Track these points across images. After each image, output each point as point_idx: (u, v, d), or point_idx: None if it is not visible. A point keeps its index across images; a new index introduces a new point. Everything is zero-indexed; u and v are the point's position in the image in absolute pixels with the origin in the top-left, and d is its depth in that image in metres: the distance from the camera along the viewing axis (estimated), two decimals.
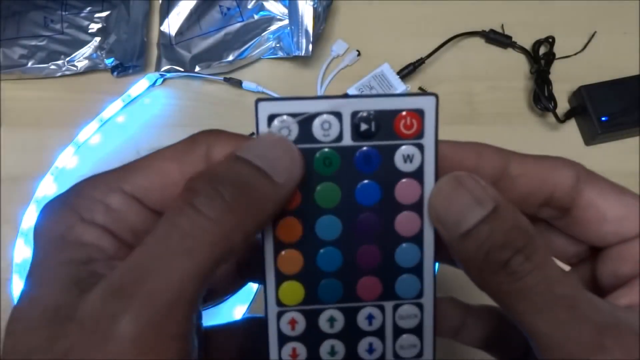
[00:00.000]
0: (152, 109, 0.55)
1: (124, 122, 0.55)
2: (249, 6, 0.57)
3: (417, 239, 0.21)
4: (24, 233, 0.50)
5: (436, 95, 0.21)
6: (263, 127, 0.20)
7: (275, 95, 0.54)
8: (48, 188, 0.52)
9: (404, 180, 0.21)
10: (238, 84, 0.54)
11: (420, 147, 0.21)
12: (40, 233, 0.20)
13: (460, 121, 0.53)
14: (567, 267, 0.25)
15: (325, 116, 0.20)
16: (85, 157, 0.53)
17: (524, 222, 0.20)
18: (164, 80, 0.56)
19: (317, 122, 0.21)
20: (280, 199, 0.20)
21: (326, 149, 0.21)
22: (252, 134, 0.55)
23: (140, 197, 0.20)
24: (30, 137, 0.54)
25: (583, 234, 0.22)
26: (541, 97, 0.51)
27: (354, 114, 0.21)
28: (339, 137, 0.21)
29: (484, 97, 0.54)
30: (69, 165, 0.53)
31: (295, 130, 0.21)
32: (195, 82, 0.56)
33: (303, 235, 0.21)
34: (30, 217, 0.50)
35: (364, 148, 0.21)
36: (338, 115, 0.20)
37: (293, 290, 0.22)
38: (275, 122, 0.20)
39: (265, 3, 0.56)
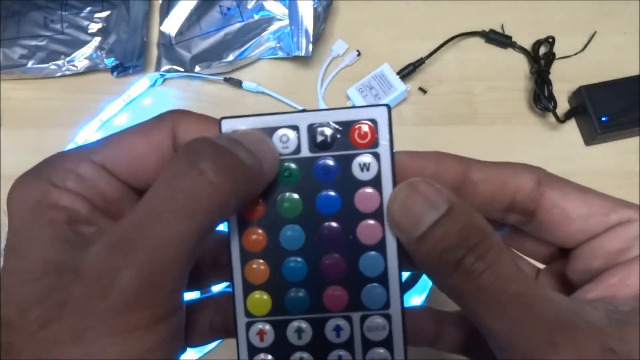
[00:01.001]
0: (152, 109, 0.55)
1: (124, 122, 0.55)
2: (249, 6, 0.57)
3: (380, 247, 0.22)
4: None
5: (388, 106, 0.22)
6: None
7: (275, 95, 0.54)
8: None
9: (362, 188, 0.22)
10: (238, 84, 0.54)
11: (376, 156, 0.22)
12: (14, 202, 0.20)
13: (460, 121, 0.54)
14: (541, 266, 0.25)
15: (283, 130, 0.22)
16: None
17: (478, 220, 0.20)
18: (164, 80, 0.56)
19: (276, 136, 0.22)
20: (264, 185, 0.21)
21: (286, 161, 0.22)
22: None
23: (109, 167, 0.21)
24: (30, 137, 0.54)
25: (551, 236, 0.22)
26: (541, 97, 0.51)
27: (310, 127, 0.22)
28: (297, 149, 0.22)
29: (484, 97, 0.54)
30: None
31: None
32: (195, 82, 0.56)
33: (268, 245, 0.22)
34: None
35: (322, 159, 0.22)
36: (295, 128, 0.22)
37: (261, 301, 0.22)
38: None
39: (265, 3, 0.56)
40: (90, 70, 0.55)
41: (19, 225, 0.20)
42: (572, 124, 0.53)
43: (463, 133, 0.53)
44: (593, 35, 0.55)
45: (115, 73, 0.55)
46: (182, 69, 0.55)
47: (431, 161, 0.22)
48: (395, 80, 0.53)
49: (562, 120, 0.52)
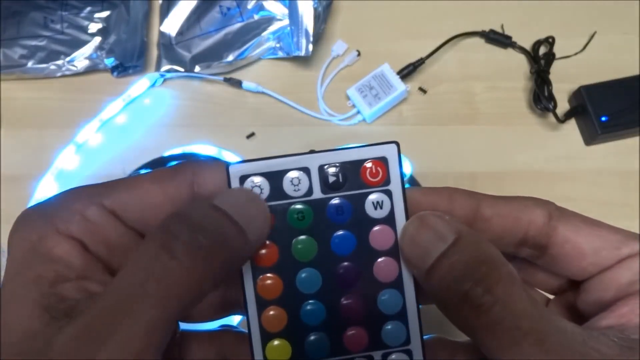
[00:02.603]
0: (152, 109, 0.55)
1: (124, 122, 0.55)
2: (249, 6, 0.57)
3: (397, 284, 0.22)
4: None
5: (397, 143, 0.22)
6: (235, 187, 0.21)
7: (275, 95, 0.54)
8: (48, 188, 0.52)
9: (376, 226, 0.22)
10: (238, 84, 0.54)
11: (389, 194, 0.22)
12: (13, 241, 0.20)
13: (460, 121, 0.54)
14: (551, 296, 0.25)
15: (294, 172, 0.21)
16: (85, 157, 0.53)
17: (487, 250, 0.20)
18: (164, 80, 0.56)
19: (286, 179, 0.21)
20: (249, 255, 0.21)
21: (298, 204, 0.21)
22: (251, 134, 0.55)
23: (119, 212, 0.21)
24: (30, 137, 0.54)
25: (563, 269, 0.23)
26: (541, 97, 0.51)
27: (321, 168, 0.21)
28: (309, 191, 0.22)
29: (484, 97, 0.54)
30: (69, 165, 0.53)
31: (266, 188, 0.21)
32: (195, 82, 0.56)
33: (284, 291, 0.22)
34: None
35: (335, 199, 0.22)
36: (306, 170, 0.21)
37: (280, 349, 0.22)
38: (247, 182, 0.21)
39: (265, 3, 0.56)
40: (90, 70, 0.55)
41: (9, 276, 0.19)
42: (572, 124, 0.53)
43: (463, 133, 0.53)
44: (593, 35, 0.55)
45: (115, 73, 0.55)
46: (182, 69, 0.55)
47: (443, 197, 0.22)
48: (395, 80, 0.53)
49: (562, 120, 0.52)
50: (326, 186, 0.22)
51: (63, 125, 0.54)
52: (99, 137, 0.54)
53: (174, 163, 0.47)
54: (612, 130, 0.50)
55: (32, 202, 0.51)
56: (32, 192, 0.51)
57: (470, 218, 0.22)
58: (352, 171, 0.22)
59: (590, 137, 0.52)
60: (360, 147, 0.22)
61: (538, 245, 0.22)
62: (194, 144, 0.52)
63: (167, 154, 0.52)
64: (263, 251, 0.21)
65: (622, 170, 0.51)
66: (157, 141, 0.53)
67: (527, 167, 0.52)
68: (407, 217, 0.22)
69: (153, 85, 0.55)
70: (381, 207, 0.22)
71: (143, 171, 0.50)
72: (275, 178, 0.21)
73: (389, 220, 0.22)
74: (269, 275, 0.21)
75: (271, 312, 0.22)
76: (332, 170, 0.22)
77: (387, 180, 0.22)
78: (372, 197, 0.22)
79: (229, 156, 0.52)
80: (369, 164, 0.22)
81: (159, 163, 0.51)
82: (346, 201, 0.22)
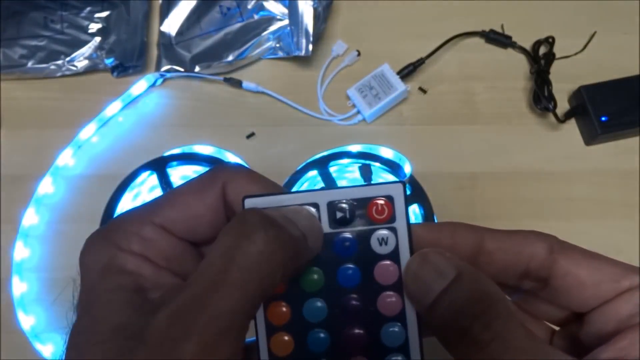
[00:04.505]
0: (152, 109, 0.55)
1: (124, 122, 0.55)
2: (249, 6, 0.57)
3: (400, 318, 0.22)
4: (23, 233, 0.50)
5: (403, 182, 0.23)
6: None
7: (275, 95, 0.54)
8: (48, 188, 0.52)
9: (381, 262, 0.23)
10: (238, 84, 0.54)
11: (394, 230, 0.23)
12: (85, 264, 0.22)
13: (460, 121, 0.54)
14: (556, 327, 0.25)
15: (304, 207, 0.23)
16: (85, 157, 0.53)
17: (486, 287, 0.21)
18: (164, 80, 0.56)
19: None
20: (307, 259, 0.22)
21: None
22: (251, 134, 0.55)
23: (168, 227, 0.23)
24: (30, 137, 0.54)
25: (565, 301, 0.23)
26: (541, 97, 0.51)
27: (330, 204, 0.23)
28: None
29: (484, 97, 0.54)
30: (69, 165, 0.53)
31: None
32: (195, 82, 0.56)
33: (292, 318, 0.23)
34: (30, 217, 0.50)
35: (342, 234, 0.23)
36: (315, 205, 0.23)
37: None
38: None
39: (265, 3, 0.56)
40: (90, 70, 0.55)
41: (90, 287, 0.21)
42: (572, 124, 0.53)
43: (463, 133, 0.53)
44: (593, 35, 0.55)
45: (115, 73, 0.55)
46: (182, 69, 0.55)
47: (446, 233, 0.23)
48: (395, 80, 0.53)
49: (562, 120, 0.52)
50: (334, 221, 0.23)
51: (63, 125, 0.54)
52: (99, 137, 0.54)
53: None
54: (612, 130, 0.50)
55: (32, 202, 0.51)
56: (32, 192, 0.51)
57: (473, 252, 0.23)
58: (359, 208, 0.23)
59: (590, 137, 0.52)
60: (368, 185, 0.23)
61: (540, 278, 0.23)
62: (194, 144, 0.52)
63: (167, 154, 0.52)
64: None
65: (622, 170, 0.51)
66: (157, 141, 0.53)
67: (527, 167, 0.52)
68: (412, 253, 0.22)
69: (153, 85, 0.55)
70: (386, 244, 0.22)
71: (144, 172, 0.51)
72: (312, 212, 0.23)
73: (394, 256, 0.22)
74: (278, 303, 0.23)
75: (279, 338, 0.23)
76: (340, 206, 0.23)
77: (392, 218, 0.22)
78: (378, 233, 0.23)
79: (229, 156, 0.52)
80: (375, 202, 0.22)
81: (159, 163, 0.51)
82: (352, 237, 0.23)
